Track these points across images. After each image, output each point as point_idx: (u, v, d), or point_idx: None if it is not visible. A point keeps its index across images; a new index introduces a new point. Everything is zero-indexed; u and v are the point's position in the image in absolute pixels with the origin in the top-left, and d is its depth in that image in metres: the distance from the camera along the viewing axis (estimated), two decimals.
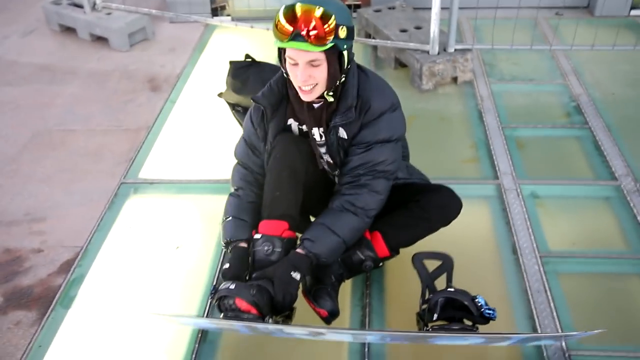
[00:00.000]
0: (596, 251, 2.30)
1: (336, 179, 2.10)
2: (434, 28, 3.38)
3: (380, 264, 2.02)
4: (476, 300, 1.77)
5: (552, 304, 2.07)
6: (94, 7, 4.30)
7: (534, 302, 2.08)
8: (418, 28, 3.73)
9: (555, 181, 2.67)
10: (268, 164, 1.98)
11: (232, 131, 2.86)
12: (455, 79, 3.51)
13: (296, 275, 1.79)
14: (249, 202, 2.01)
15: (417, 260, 1.94)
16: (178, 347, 2.00)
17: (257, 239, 1.88)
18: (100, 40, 4.23)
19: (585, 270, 2.23)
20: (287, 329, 1.83)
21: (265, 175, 2.00)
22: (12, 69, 3.95)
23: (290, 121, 2.00)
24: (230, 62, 2.97)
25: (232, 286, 1.76)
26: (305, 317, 1.90)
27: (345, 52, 1.78)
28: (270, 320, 1.78)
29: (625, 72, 3.54)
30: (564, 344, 1.94)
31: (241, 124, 2.71)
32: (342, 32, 1.73)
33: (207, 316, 2.09)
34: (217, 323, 1.94)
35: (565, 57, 3.72)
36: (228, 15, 4.45)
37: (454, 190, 2.05)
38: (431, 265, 1.94)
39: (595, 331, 1.80)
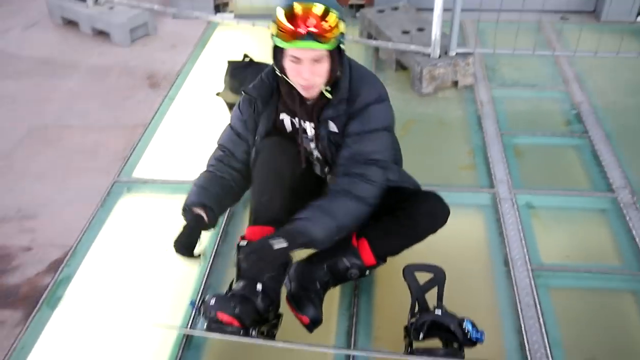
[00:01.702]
0: (589, 265, 2.27)
1: (327, 177, 2.10)
2: (436, 31, 3.34)
3: (367, 272, 2.00)
4: (463, 325, 1.74)
5: (541, 319, 2.04)
6: (96, 1, 4.28)
7: (523, 317, 2.05)
8: (420, 30, 3.69)
9: (551, 191, 2.64)
10: (254, 169, 1.96)
11: None
12: (455, 83, 3.47)
13: (276, 243, 1.71)
14: (220, 177, 2.00)
15: (409, 272, 1.90)
16: (163, 351, 1.98)
17: (243, 246, 1.86)
18: (102, 34, 4.22)
19: (576, 285, 2.20)
20: (269, 343, 1.81)
21: (245, 164, 2.01)
22: (12, 62, 3.95)
23: (283, 115, 1.99)
24: (229, 62, 2.96)
25: (212, 301, 1.74)
26: (292, 327, 1.88)
27: (342, 46, 1.80)
28: (254, 332, 1.75)
29: (627, 80, 3.49)
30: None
31: None
32: (342, 27, 1.76)
33: (191, 325, 2.06)
34: (200, 334, 1.92)
35: (568, 63, 3.68)
36: (231, 12, 4.43)
37: (442, 198, 2.02)
38: (423, 277, 1.91)
39: None
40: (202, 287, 2.19)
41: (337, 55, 1.80)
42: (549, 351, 1.93)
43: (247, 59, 3.10)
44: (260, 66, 2.87)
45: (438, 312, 1.78)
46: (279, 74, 1.87)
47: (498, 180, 2.69)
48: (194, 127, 3.17)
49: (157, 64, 3.89)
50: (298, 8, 1.69)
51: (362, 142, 1.88)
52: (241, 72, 3.02)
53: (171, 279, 2.26)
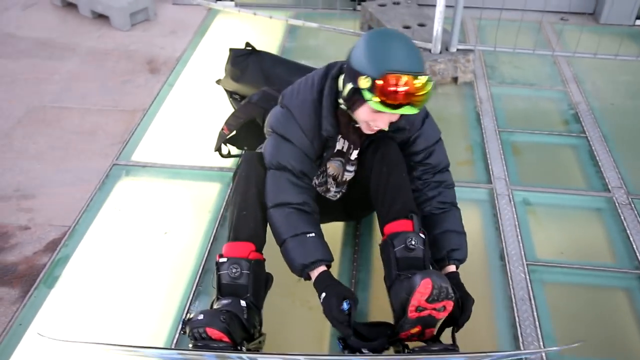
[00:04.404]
0: (583, 262, 2.30)
1: (332, 190, 2.13)
2: (437, 27, 3.35)
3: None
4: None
5: (535, 313, 2.07)
6: None
7: (517, 310, 2.08)
8: (422, 25, 3.71)
9: (548, 189, 2.66)
10: (234, 182, 1.94)
11: None
12: (455, 79, 3.49)
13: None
14: (316, 218, 1.87)
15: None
16: (160, 334, 1.99)
17: (223, 263, 1.80)
18: (102, 17, 4.19)
19: (570, 281, 2.23)
20: (261, 357, 1.78)
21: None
22: (10, 42, 3.92)
23: (340, 141, 1.97)
24: (230, 50, 2.95)
25: (200, 317, 1.67)
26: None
27: None
28: (243, 349, 1.71)
29: (626, 83, 3.53)
30: (544, 355, 1.94)
31: None
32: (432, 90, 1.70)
33: (178, 332, 2.01)
34: (185, 354, 1.80)
35: (567, 63, 3.71)
36: (232, 0, 4.42)
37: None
38: None
39: (574, 344, 1.80)
40: (184, 315, 2.01)
41: None
42: (542, 344, 1.96)
43: (249, 48, 3.09)
44: (262, 56, 2.85)
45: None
46: (343, 107, 1.82)
47: (495, 177, 2.71)
48: (193, 113, 3.16)
49: (156, 49, 3.87)
50: (408, 80, 1.60)
51: (432, 154, 1.99)
52: (243, 60, 3.00)
53: (168, 261, 2.27)
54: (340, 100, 1.81)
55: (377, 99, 1.63)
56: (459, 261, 1.93)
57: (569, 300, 2.16)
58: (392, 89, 1.60)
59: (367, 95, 1.65)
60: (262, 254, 1.87)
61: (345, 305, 1.67)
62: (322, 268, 1.77)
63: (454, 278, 1.85)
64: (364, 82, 1.64)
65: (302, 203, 1.83)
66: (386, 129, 1.78)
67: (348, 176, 2.08)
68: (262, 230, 1.88)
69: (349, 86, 1.71)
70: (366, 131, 1.83)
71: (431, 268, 1.84)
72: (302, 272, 1.77)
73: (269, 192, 1.87)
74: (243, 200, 1.87)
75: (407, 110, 1.64)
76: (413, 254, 1.77)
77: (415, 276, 1.66)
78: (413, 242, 1.77)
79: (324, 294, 1.71)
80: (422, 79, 1.62)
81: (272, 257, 1.87)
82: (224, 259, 1.80)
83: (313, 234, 1.79)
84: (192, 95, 3.33)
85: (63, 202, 2.55)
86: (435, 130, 2.02)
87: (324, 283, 1.74)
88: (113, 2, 4.11)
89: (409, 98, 1.61)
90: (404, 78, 1.59)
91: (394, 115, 1.71)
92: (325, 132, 1.84)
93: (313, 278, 1.77)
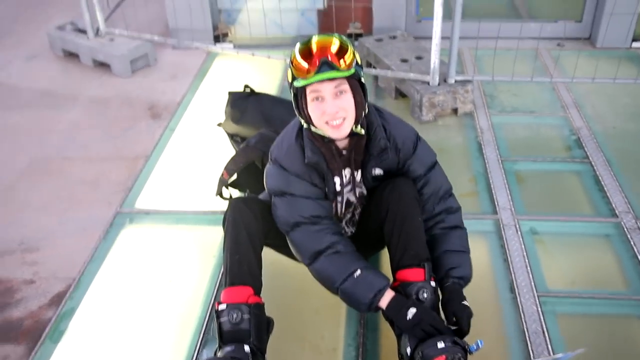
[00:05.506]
0: (595, 291, 2.26)
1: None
2: (435, 59, 3.38)
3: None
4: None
5: (549, 346, 2.03)
6: (97, 33, 4.32)
7: (531, 344, 2.04)
8: (419, 58, 3.74)
9: (554, 217, 2.64)
10: (224, 227, 1.93)
11: None
12: (455, 110, 3.50)
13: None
14: (353, 251, 1.88)
15: None
16: None
17: (222, 310, 1.80)
18: (103, 66, 4.25)
19: (583, 311, 2.19)
20: None
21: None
22: (13, 94, 3.97)
23: (336, 180, 1.95)
24: (229, 93, 2.98)
25: None
26: None
27: (363, 80, 1.80)
28: None
29: (626, 106, 3.52)
30: None
31: None
32: (358, 59, 1.77)
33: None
34: None
35: (566, 89, 3.71)
36: (230, 42, 4.47)
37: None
38: None
39: (578, 350, 1.81)
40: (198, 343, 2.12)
41: (359, 87, 1.78)
42: None
43: (247, 90, 3.12)
44: (261, 97, 2.88)
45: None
46: (305, 125, 1.83)
47: (501, 207, 2.69)
48: (195, 157, 3.17)
49: (157, 94, 3.91)
50: (315, 43, 1.72)
51: (430, 181, 1.96)
52: (242, 103, 3.02)
53: (174, 310, 2.24)
54: (304, 124, 1.83)
55: (297, 75, 1.72)
56: (460, 279, 1.89)
57: (584, 331, 2.11)
58: (300, 56, 1.70)
59: (294, 82, 1.74)
60: (260, 297, 1.86)
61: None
62: (389, 293, 1.78)
63: (451, 292, 1.84)
64: (289, 75, 1.76)
65: (331, 245, 1.85)
66: (339, 119, 1.74)
67: (348, 197, 2.02)
68: (258, 273, 1.87)
69: (291, 95, 1.80)
70: (332, 135, 1.80)
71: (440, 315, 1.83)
72: (371, 306, 1.78)
73: (301, 252, 1.89)
74: (235, 244, 1.86)
75: (329, 74, 1.68)
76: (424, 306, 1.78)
77: (428, 349, 1.67)
78: (425, 295, 1.79)
79: (413, 310, 1.73)
80: (319, 38, 1.72)
81: (279, 299, 1.85)
82: (223, 306, 1.80)
83: (359, 270, 1.79)
84: (193, 139, 3.35)
85: (67, 254, 2.54)
86: (430, 153, 2.01)
87: (402, 302, 1.77)
88: (113, 50, 4.17)
89: (322, 55, 1.68)
90: (309, 43, 1.71)
91: (334, 96, 1.72)
92: (307, 159, 1.85)
93: (385, 306, 1.78)
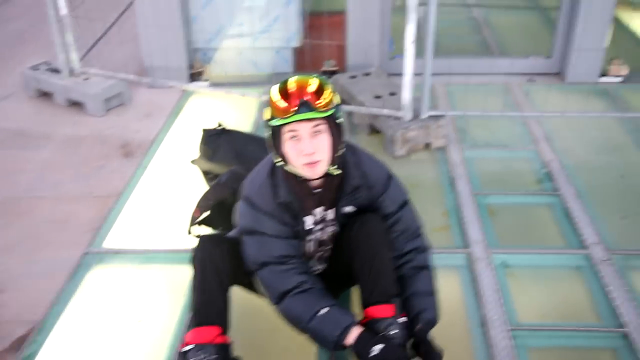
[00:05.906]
0: (566, 324, 2.25)
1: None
2: (407, 94, 3.41)
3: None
4: None
5: None
6: (71, 72, 4.32)
7: None
8: (392, 94, 3.77)
9: (526, 250, 2.64)
10: (192, 265, 1.91)
11: None
12: (428, 145, 3.52)
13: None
14: (321, 289, 1.88)
15: None
16: None
17: (189, 350, 1.78)
18: (76, 105, 4.22)
19: (555, 344, 2.18)
20: None
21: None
22: None
23: (309, 219, 1.94)
24: (203, 130, 2.97)
25: None
26: None
27: (341, 121, 1.81)
28: None
29: (595, 139, 3.57)
30: None
31: None
32: (337, 99, 1.78)
33: None
34: None
35: (537, 123, 3.75)
36: (206, 80, 4.49)
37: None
38: None
39: None
40: None
41: (336, 129, 1.79)
42: None
43: (220, 127, 3.12)
44: (233, 134, 2.88)
45: None
46: (280, 163, 1.82)
47: (473, 241, 2.69)
48: (167, 195, 3.15)
49: (131, 132, 3.89)
50: (293, 83, 1.73)
51: (401, 219, 1.97)
52: (215, 140, 3.02)
53: (142, 351, 2.19)
54: (279, 162, 1.82)
55: (275, 115, 1.72)
56: (430, 321, 1.88)
57: None
58: (279, 95, 1.71)
59: (271, 122, 1.74)
60: (228, 337, 1.84)
61: None
62: (356, 330, 1.77)
63: (420, 335, 1.84)
64: (265, 114, 1.77)
65: (299, 285, 1.83)
66: (318, 157, 1.75)
67: (318, 235, 2.01)
68: (226, 312, 1.85)
69: (266, 133, 1.80)
70: (307, 174, 1.80)
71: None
72: (338, 344, 1.77)
73: (268, 292, 1.88)
74: (202, 284, 1.85)
75: (307, 115, 1.69)
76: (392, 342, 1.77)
77: None
78: (393, 331, 1.79)
79: (379, 346, 1.72)
80: (298, 78, 1.74)
81: (248, 338, 1.82)
82: (190, 347, 1.77)
83: (325, 308, 1.79)
84: (166, 176, 3.32)
85: (32, 296, 2.48)
86: (402, 192, 2.01)
87: (368, 339, 1.75)
88: (87, 88, 4.16)
89: (300, 96, 1.69)
90: (288, 83, 1.73)
91: (311, 135, 1.72)
92: (280, 198, 1.84)
93: (350, 342, 1.77)
